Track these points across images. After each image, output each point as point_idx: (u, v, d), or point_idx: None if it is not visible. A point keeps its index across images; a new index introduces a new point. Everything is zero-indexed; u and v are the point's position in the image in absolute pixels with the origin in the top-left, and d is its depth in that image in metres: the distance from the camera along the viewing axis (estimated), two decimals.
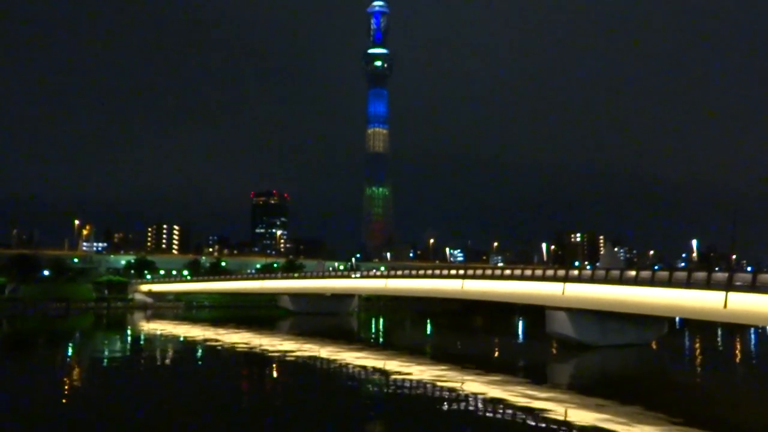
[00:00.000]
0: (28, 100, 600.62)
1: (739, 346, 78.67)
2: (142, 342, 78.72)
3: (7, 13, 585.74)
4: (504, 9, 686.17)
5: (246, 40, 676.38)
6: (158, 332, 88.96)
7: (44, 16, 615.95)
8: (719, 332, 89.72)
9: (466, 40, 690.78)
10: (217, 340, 74.52)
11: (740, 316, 49.52)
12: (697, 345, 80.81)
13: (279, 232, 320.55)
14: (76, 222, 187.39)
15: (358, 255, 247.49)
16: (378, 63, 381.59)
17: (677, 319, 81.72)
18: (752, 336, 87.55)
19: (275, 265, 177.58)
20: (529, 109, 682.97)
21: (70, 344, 77.40)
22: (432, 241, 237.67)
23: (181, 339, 79.81)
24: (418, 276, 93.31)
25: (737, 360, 66.60)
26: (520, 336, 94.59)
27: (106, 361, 60.64)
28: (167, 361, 60.67)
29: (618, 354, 62.01)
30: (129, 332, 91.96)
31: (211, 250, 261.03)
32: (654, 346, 68.35)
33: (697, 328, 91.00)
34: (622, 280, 59.22)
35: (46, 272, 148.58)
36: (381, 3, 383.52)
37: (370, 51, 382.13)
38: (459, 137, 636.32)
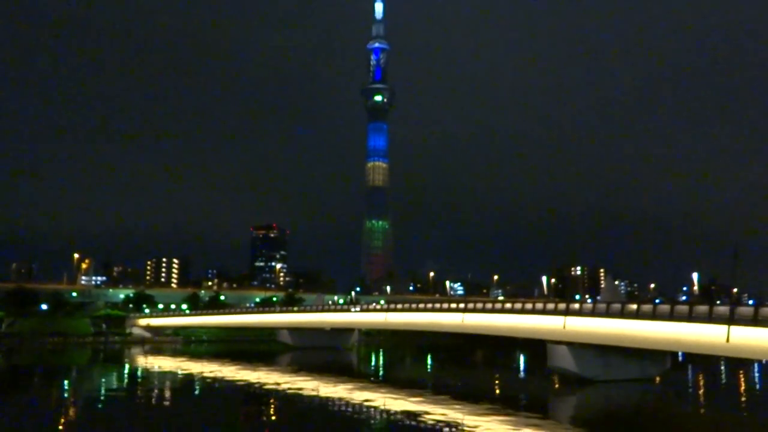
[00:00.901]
0: (27, 133, 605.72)
1: (742, 381, 77.74)
2: (139, 378, 77.77)
3: (10, 45, 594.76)
4: (503, 47, 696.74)
5: (245, 74, 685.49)
6: (156, 367, 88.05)
7: (47, 50, 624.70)
8: (722, 366, 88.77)
9: (466, 75, 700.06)
10: (215, 376, 73.69)
11: (743, 351, 49.08)
12: (701, 380, 79.93)
13: (278, 266, 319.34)
14: (76, 256, 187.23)
15: (357, 288, 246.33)
16: (378, 98, 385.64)
17: (680, 353, 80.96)
18: (756, 370, 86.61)
19: (274, 299, 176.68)
20: (529, 143, 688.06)
21: (66, 380, 76.47)
22: (432, 274, 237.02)
23: (179, 374, 78.91)
24: (418, 310, 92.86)
25: (741, 395, 65.71)
26: (522, 370, 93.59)
27: (102, 397, 59.79)
28: (164, 398, 59.86)
29: (621, 389, 61.26)
30: (126, 368, 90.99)
31: (210, 283, 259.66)
32: (657, 381, 67.54)
33: (701, 363, 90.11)
34: (624, 314, 58.92)
35: (44, 306, 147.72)
36: (381, 39, 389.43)
37: (370, 86, 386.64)
38: (459, 171, 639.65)
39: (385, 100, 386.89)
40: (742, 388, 72.66)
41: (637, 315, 57.45)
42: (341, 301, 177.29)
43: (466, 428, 39.80)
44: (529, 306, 72.75)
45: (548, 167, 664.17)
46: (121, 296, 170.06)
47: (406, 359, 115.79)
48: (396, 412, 47.06)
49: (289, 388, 61.68)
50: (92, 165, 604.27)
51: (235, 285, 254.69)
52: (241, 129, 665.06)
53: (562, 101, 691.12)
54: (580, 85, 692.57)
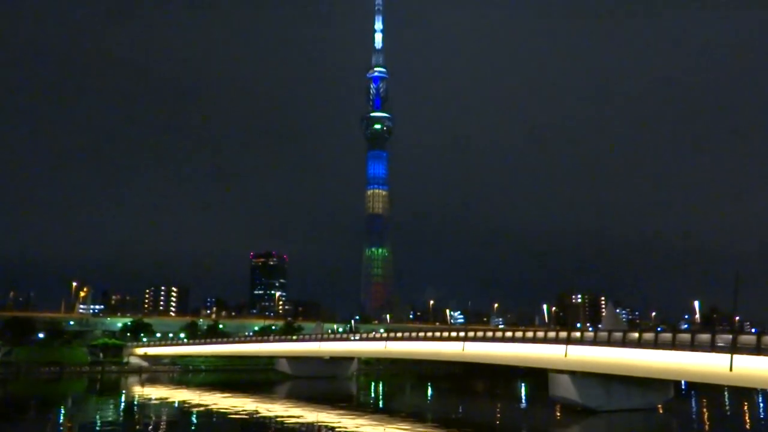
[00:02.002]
0: (26, 160, 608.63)
1: (747, 410, 76.72)
2: (135, 408, 76.69)
3: (6, 72, 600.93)
4: (502, 75, 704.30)
5: (244, 102, 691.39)
6: (152, 397, 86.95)
7: (42, 77, 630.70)
8: (726, 396, 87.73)
9: (466, 103, 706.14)
10: (212, 406, 72.72)
11: (747, 380, 48.52)
12: (705, 409, 78.88)
13: (278, 294, 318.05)
14: (74, 284, 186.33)
15: (357, 317, 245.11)
16: (377, 126, 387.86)
17: (683, 382, 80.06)
18: (760, 399, 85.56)
19: (273, 328, 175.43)
20: (529, 170, 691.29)
21: (62, 410, 75.45)
22: (432, 302, 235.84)
23: (176, 405, 77.87)
24: (418, 338, 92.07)
25: (746, 425, 64.78)
26: (523, 400, 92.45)
27: (97, 428, 58.86)
28: (160, 429, 58.97)
29: (624, 419, 60.44)
30: (122, 398, 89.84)
31: (208, 312, 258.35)
32: (660, 411, 66.68)
33: (704, 392, 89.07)
34: (626, 343, 58.44)
35: (41, 335, 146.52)
36: (380, 68, 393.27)
37: (370, 114, 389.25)
38: (458, 198, 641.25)
39: (385, 128, 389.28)
40: (747, 417, 71.70)
41: (639, 344, 56.97)
42: (340, 329, 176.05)
43: None
44: (530, 334, 72.20)
45: (549, 194, 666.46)
46: (119, 325, 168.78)
47: (406, 388, 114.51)
48: None
49: (288, 419, 60.85)
50: (90, 192, 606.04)
51: (233, 313, 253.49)
52: (240, 157, 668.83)
53: (563, 127, 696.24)
54: (581, 110, 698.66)
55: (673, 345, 53.76)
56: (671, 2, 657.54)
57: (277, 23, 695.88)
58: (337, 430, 53.77)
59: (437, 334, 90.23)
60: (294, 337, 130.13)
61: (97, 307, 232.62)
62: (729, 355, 48.37)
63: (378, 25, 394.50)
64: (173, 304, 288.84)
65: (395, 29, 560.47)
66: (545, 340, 68.30)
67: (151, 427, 59.72)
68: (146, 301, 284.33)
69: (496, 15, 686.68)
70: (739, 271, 61.93)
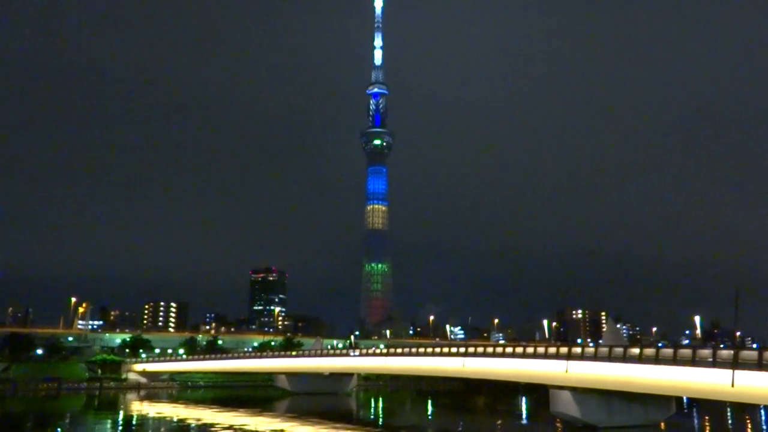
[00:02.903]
0: (24, 176, 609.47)
1: (749, 426, 76.21)
2: (133, 425, 76.16)
3: (9, 90, 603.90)
4: (501, 90, 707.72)
5: (245, 119, 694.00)
6: (150, 414, 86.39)
7: (51, 96, 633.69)
8: (728, 411, 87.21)
9: (465, 118, 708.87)
10: (211, 424, 72.19)
11: (748, 396, 48.22)
12: (706, 425, 78.40)
13: (277, 309, 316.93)
14: (72, 299, 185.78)
15: (357, 332, 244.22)
16: (377, 141, 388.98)
17: (684, 398, 79.69)
18: (762, 415, 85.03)
19: (273, 344, 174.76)
20: (529, 186, 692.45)
21: (59, 428, 74.87)
22: (432, 318, 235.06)
23: (174, 421, 77.35)
24: (418, 354, 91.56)
25: None
26: (524, 416, 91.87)
27: None
28: None
29: None
30: (120, 414, 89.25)
31: (207, 327, 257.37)
32: (662, 427, 66.26)
33: (706, 408, 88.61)
34: (627, 358, 58.15)
35: (39, 351, 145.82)
36: (380, 84, 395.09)
37: (370, 130, 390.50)
38: (458, 213, 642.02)
39: (384, 143, 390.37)
40: None
41: (640, 359, 56.68)
42: (340, 345, 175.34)
43: None
44: (530, 350, 71.79)
45: (549, 209, 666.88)
46: (118, 340, 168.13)
47: (406, 404, 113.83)
48: None
49: None
50: (90, 209, 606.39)
51: (233, 329, 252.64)
52: (240, 173, 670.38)
53: (563, 143, 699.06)
54: (583, 127, 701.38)
55: (675, 361, 53.47)
56: (672, 28, 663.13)
57: (277, 40, 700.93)
58: None
59: (437, 349, 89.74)
60: (293, 353, 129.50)
61: (95, 323, 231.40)
62: (731, 371, 48.11)
63: (378, 41, 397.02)
64: (172, 319, 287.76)
65: (395, 46, 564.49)
66: (546, 356, 67.96)
67: None
68: (145, 316, 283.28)
69: (496, 31, 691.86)
70: (739, 287, 61.85)
